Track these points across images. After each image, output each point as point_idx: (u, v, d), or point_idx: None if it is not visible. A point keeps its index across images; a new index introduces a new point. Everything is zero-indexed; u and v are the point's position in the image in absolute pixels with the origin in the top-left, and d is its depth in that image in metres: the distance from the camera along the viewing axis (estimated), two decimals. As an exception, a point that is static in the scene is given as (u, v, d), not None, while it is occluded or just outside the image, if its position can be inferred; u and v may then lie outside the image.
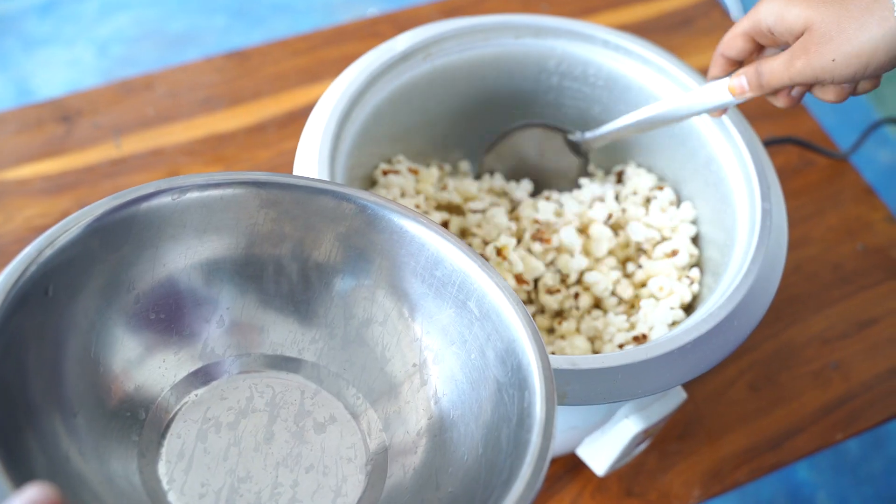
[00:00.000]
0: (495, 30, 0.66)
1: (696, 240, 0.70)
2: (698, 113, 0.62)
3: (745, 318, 0.57)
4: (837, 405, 0.74)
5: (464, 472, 0.46)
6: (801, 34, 0.53)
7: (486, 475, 0.44)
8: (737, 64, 0.60)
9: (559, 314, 0.67)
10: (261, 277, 0.52)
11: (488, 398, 0.47)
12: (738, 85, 0.58)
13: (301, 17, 1.64)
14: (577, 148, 0.71)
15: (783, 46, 0.57)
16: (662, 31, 0.95)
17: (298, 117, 0.86)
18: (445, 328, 0.50)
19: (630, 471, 0.69)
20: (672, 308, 0.64)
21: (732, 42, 0.59)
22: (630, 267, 0.68)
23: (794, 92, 0.58)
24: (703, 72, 0.89)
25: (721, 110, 0.63)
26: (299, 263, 0.52)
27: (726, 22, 0.97)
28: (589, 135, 0.69)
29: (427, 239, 0.50)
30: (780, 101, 0.59)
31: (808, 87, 0.56)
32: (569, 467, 0.69)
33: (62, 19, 1.60)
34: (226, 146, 0.83)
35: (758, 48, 0.59)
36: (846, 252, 0.82)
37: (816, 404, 0.74)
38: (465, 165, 0.75)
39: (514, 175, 0.74)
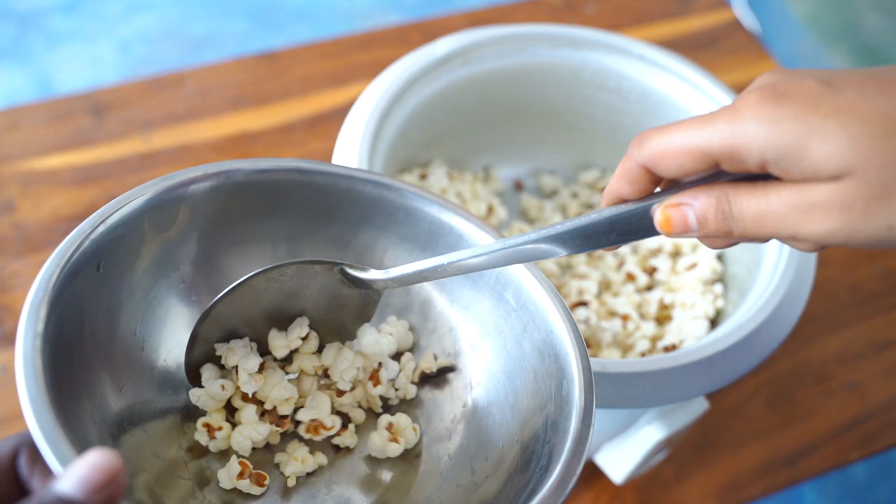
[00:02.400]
0: (533, 39, 0.67)
1: (720, 256, 0.71)
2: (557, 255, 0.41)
3: (773, 333, 0.57)
4: (853, 425, 0.74)
5: (500, 459, 0.46)
6: (834, 180, 0.34)
7: (522, 462, 0.45)
8: (655, 184, 0.39)
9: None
10: None
11: (524, 387, 0.47)
12: (680, 217, 0.37)
13: (322, 24, 1.65)
14: (359, 282, 0.47)
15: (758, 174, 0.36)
16: (687, 50, 0.96)
17: (325, 119, 0.87)
18: (482, 318, 0.50)
19: (646, 481, 0.70)
20: (697, 318, 0.65)
21: (670, 157, 0.36)
22: (642, 277, 0.69)
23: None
24: (736, 90, 0.89)
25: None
26: (337, 251, 0.52)
27: (751, 43, 0.98)
28: (381, 277, 0.46)
29: (465, 230, 0.50)
30: (716, 243, 0.39)
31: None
32: (584, 474, 0.69)
33: (86, 17, 1.61)
34: (253, 144, 0.84)
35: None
36: (865, 274, 0.82)
37: (832, 424, 0.74)
38: (496, 172, 0.76)
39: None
